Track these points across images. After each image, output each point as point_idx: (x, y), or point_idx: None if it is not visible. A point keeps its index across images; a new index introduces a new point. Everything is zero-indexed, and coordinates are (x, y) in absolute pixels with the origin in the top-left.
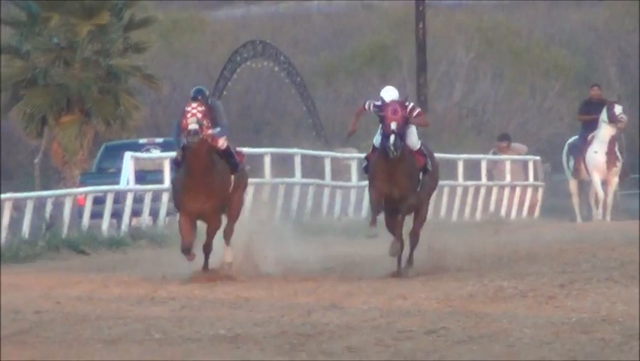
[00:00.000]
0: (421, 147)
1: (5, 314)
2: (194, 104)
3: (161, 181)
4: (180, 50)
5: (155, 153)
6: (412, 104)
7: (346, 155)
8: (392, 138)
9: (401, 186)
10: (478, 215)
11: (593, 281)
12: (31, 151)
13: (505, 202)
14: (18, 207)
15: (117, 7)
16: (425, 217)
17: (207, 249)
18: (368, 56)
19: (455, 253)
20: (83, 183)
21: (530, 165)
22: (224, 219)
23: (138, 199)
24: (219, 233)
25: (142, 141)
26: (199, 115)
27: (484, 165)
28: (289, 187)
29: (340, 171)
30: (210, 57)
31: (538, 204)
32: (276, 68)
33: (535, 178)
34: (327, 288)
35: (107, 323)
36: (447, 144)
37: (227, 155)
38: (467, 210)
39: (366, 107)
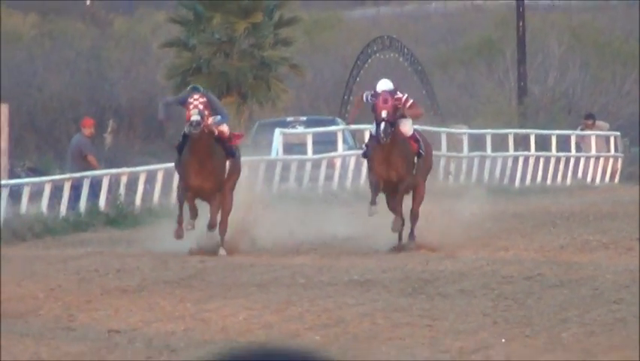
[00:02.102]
0: (414, 133)
1: (176, 263)
2: (195, 96)
3: (304, 152)
4: (321, 44)
5: (300, 129)
6: (405, 95)
7: (459, 130)
8: (382, 125)
9: (397, 169)
10: (568, 181)
11: None
12: None
13: (590, 170)
14: None
15: (269, 8)
16: (422, 197)
17: (211, 226)
18: (477, 49)
19: (549, 211)
20: None
21: (612, 140)
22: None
23: (286, 167)
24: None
25: (289, 119)
26: (200, 106)
27: (573, 139)
28: None
29: (454, 144)
30: (346, 50)
31: (618, 172)
32: (401, 59)
33: (616, 150)
34: (444, 242)
35: (259, 270)
36: (542, 122)
37: (225, 141)
38: (559, 176)
39: (364, 97)
